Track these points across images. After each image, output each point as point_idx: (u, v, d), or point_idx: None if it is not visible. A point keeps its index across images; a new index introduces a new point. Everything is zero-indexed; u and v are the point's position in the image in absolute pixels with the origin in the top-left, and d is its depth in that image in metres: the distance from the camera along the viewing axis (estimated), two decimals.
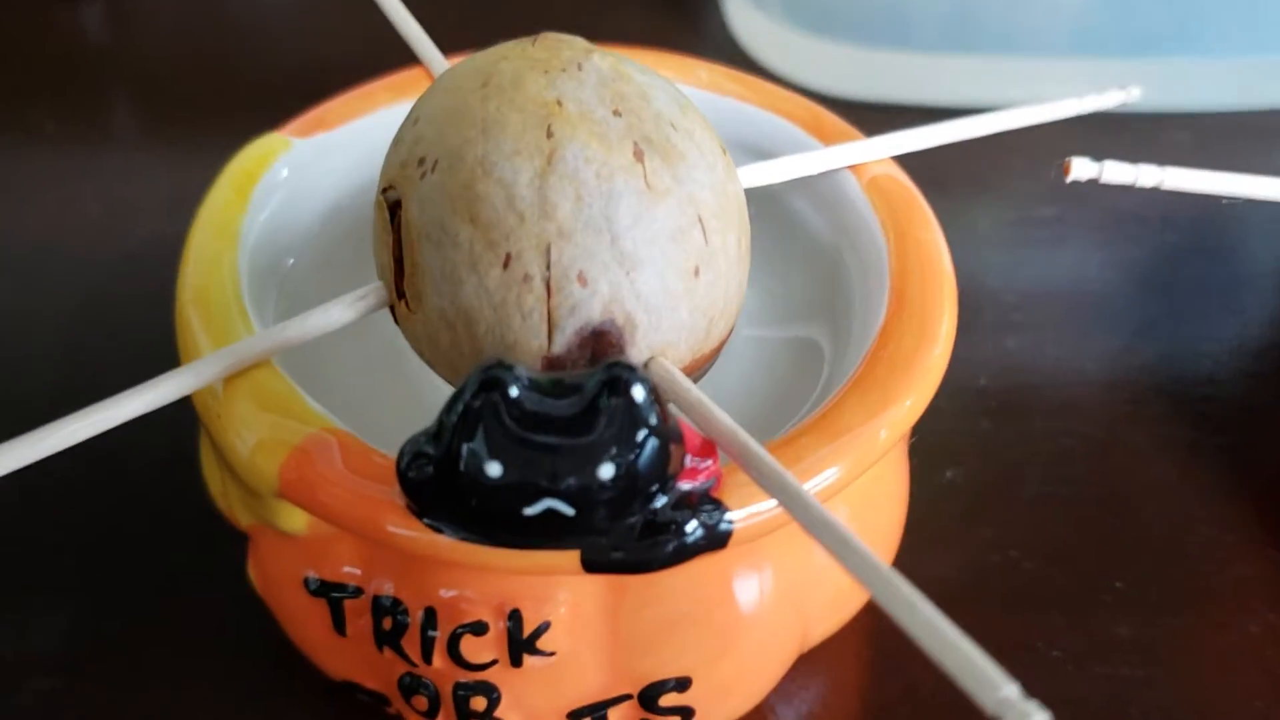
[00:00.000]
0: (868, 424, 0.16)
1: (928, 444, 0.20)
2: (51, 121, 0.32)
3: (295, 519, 0.16)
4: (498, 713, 0.16)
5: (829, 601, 0.18)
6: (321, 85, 0.21)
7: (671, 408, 0.14)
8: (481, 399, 0.13)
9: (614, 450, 0.13)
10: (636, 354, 0.14)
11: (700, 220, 0.14)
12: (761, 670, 0.17)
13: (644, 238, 0.14)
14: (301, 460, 0.15)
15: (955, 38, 0.32)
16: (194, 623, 0.21)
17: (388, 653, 0.16)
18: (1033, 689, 0.11)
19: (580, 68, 0.15)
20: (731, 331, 0.16)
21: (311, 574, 0.16)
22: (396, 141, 0.15)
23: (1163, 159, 0.18)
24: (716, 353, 0.16)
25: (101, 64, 0.35)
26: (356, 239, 0.20)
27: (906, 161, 0.20)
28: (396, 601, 0.16)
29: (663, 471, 0.14)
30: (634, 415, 0.13)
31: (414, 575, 0.16)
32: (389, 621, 0.16)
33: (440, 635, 0.16)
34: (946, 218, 0.19)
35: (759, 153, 0.20)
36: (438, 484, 0.13)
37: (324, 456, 0.15)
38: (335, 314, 0.16)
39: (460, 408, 0.13)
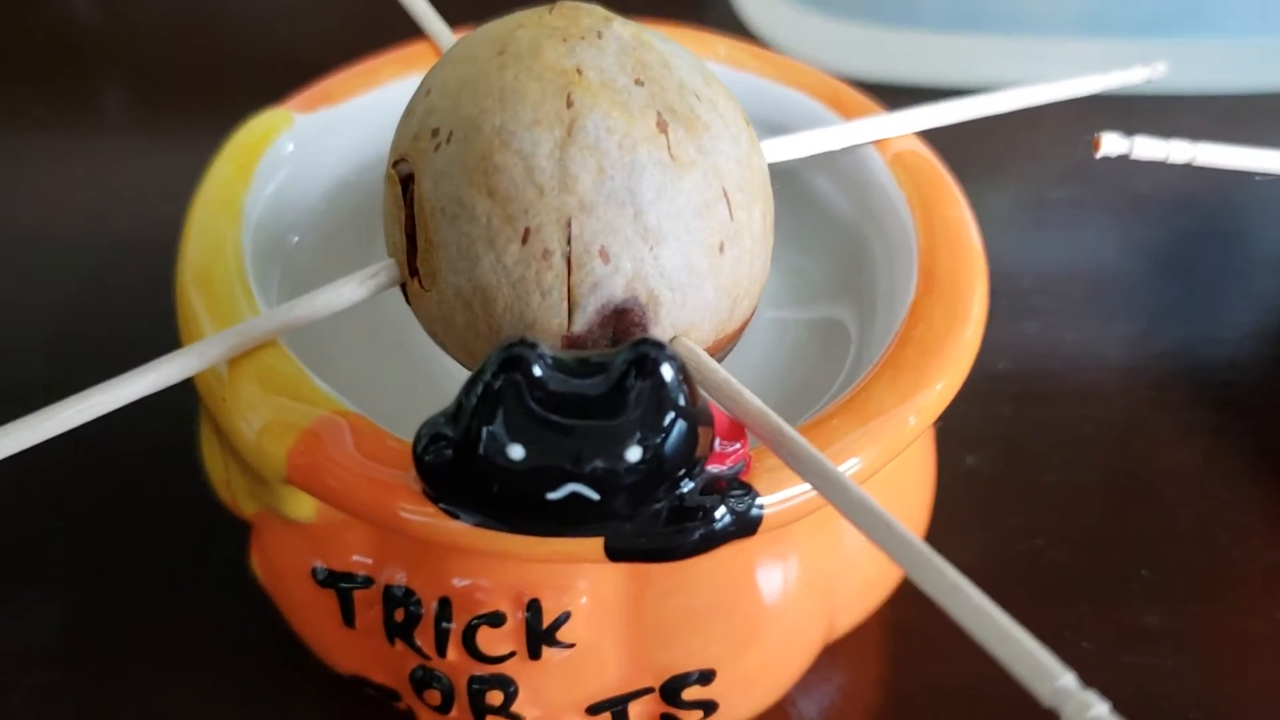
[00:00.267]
0: (900, 407, 0.15)
1: (948, 429, 0.19)
2: (42, 105, 0.32)
3: (303, 506, 0.15)
4: (514, 707, 0.16)
5: (855, 591, 0.17)
6: (318, 67, 0.20)
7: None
8: (503, 379, 0.12)
9: (641, 432, 0.12)
10: (660, 333, 0.14)
11: (725, 194, 0.14)
12: (787, 662, 0.17)
13: (668, 212, 0.13)
14: (311, 443, 0.14)
15: (965, 17, 0.31)
16: (194, 615, 0.20)
17: (399, 645, 0.16)
18: None
19: (600, 35, 0.14)
20: (754, 311, 0.15)
21: (319, 564, 0.16)
22: (408, 113, 0.15)
23: None
24: (740, 333, 0.15)
25: (93, 45, 0.34)
26: (364, 216, 0.20)
27: None
28: (409, 592, 0.15)
29: (691, 455, 0.13)
30: (662, 396, 0.12)
31: (428, 564, 0.15)
32: (401, 613, 0.16)
33: (455, 627, 0.15)
34: None
35: (778, 129, 0.19)
36: (456, 468, 0.13)
37: (334, 439, 0.14)
38: (346, 292, 0.15)
39: (480, 388, 0.12)
